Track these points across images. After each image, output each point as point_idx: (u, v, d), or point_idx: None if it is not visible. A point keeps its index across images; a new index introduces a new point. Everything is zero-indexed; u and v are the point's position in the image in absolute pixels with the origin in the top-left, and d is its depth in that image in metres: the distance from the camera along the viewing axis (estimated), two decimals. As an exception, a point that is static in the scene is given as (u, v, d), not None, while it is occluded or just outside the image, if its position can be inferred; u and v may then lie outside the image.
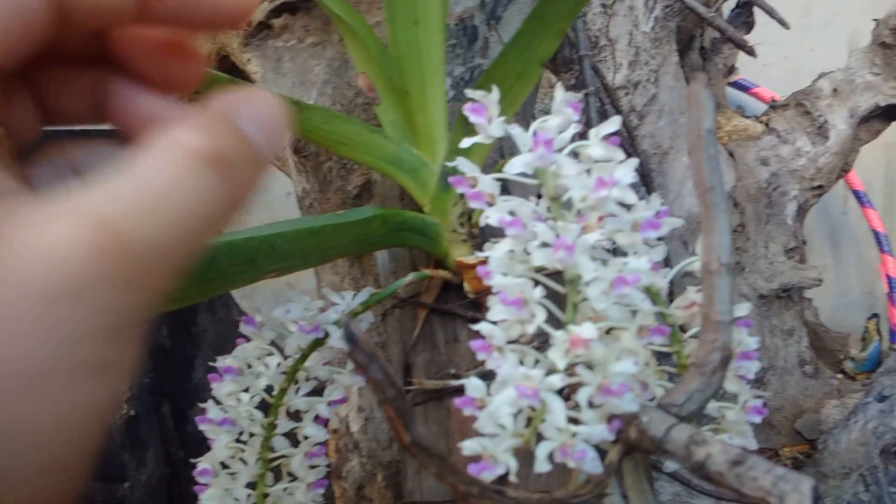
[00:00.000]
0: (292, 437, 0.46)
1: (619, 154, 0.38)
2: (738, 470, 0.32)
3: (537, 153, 0.37)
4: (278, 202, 1.41)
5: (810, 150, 0.84)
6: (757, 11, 0.88)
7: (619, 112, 0.70)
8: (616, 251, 0.39)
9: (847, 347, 0.90)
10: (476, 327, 0.37)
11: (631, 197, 0.37)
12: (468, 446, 0.36)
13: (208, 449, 0.45)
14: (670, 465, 0.44)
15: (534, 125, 0.38)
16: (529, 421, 0.37)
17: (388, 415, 0.38)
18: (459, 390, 0.37)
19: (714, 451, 0.33)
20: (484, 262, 0.38)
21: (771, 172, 0.83)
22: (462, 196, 0.47)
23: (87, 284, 0.21)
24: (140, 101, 0.28)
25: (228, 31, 0.31)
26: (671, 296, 0.44)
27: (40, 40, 0.24)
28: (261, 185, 0.26)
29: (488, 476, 0.36)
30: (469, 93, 0.39)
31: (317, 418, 0.47)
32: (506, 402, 0.36)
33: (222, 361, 0.46)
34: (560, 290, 0.38)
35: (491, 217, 0.38)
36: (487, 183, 0.39)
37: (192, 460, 0.45)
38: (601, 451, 0.37)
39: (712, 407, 0.43)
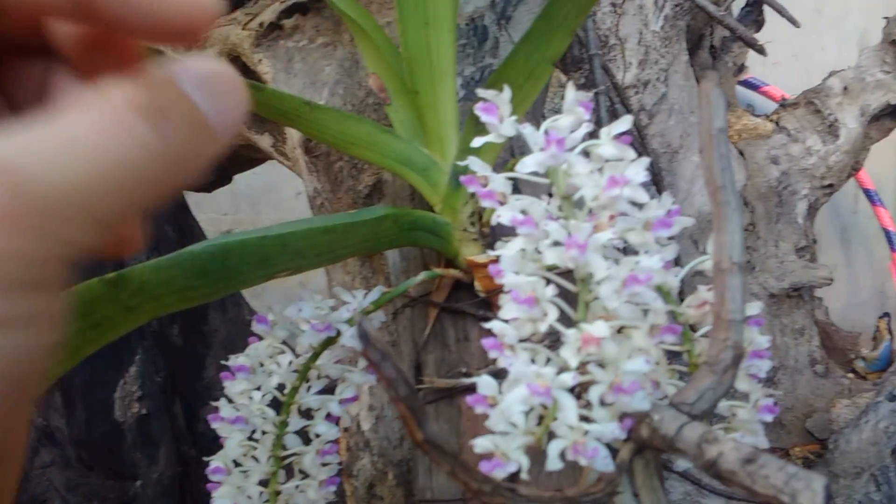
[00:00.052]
0: (304, 436, 0.46)
1: (631, 153, 0.38)
2: (750, 468, 0.32)
3: (549, 152, 0.37)
4: (288, 202, 1.41)
5: (821, 148, 0.84)
6: (767, 10, 0.88)
7: (629, 111, 0.70)
8: (626, 250, 0.39)
9: (858, 347, 0.90)
10: (488, 325, 0.37)
11: (643, 196, 0.37)
12: (480, 444, 0.36)
13: (219, 447, 0.46)
14: (681, 464, 0.44)
15: (545, 124, 0.38)
16: (541, 419, 0.37)
17: (401, 412, 0.38)
18: (470, 388, 0.37)
19: (726, 450, 0.33)
20: (495, 260, 0.38)
21: (781, 171, 0.83)
22: (473, 195, 0.47)
23: None
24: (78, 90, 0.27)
25: (176, 45, 0.30)
26: (681, 295, 0.44)
27: None
28: (213, 155, 0.24)
29: (500, 474, 0.36)
30: (480, 92, 0.39)
31: (328, 416, 0.47)
32: (518, 400, 0.36)
33: (235, 360, 0.46)
34: (571, 289, 0.38)
35: (503, 216, 0.38)
36: (499, 182, 0.39)
37: (205, 458, 0.45)
38: (612, 450, 0.37)
39: (723, 406, 0.43)
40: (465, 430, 0.50)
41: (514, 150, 0.53)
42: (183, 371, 0.88)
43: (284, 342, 0.48)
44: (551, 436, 0.36)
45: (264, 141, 0.74)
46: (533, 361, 0.37)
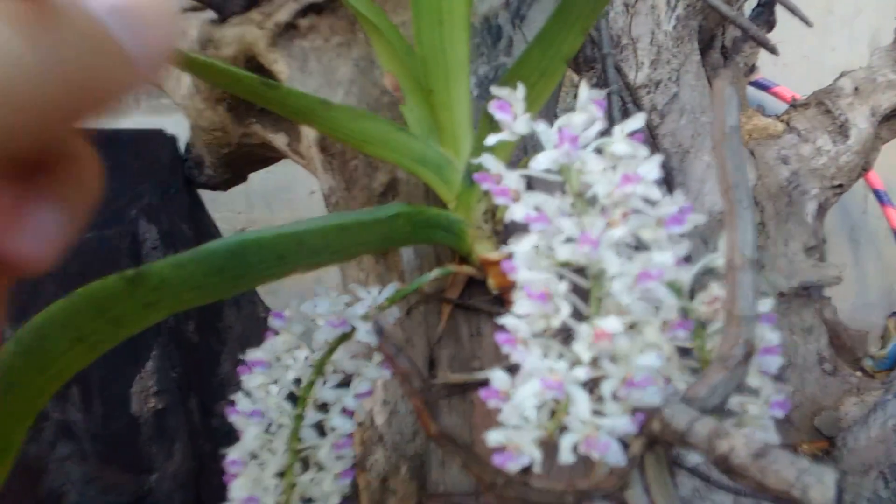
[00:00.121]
0: (320, 429, 0.47)
1: (644, 150, 0.38)
2: (762, 462, 0.33)
3: (562, 149, 0.38)
4: (302, 201, 1.42)
5: (831, 148, 0.84)
6: (777, 11, 0.88)
7: (641, 111, 0.71)
8: (638, 248, 0.39)
9: (866, 345, 0.91)
10: (501, 321, 0.37)
11: (655, 193, 0.38)
12: (493, 437, 0.37)
13: (233, 442, 0.46)
14: (691, 460, 0.44)
15: (558, 121, 0.38)
16: (553, 413, 0.37)
17: (415, 405, 0.39)
18: (483, 384, 0.38)
19: (737, 444, 0.34)
20: (508, 257, 0.38)
21: (791, 171, 0.83)
22: (486, 193, 0.48)
23: None
24: None
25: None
26: (691, 293, 0.44)
27: None
28: (131, 87, 0.21)
29: (513, 466, 0.37)
30: (494, 90, 0.40)
31: (343, 410, 0.47)
32: (531, 394, 0.36)
33: (252, 354, 0.47)
34: (583, 285, 0.38)
35: (516, 212, 0.38)
36: (512, 179, 0.39)
37: (222, 450, 0.46)
38: (624, 444, 0.37)
39: (735, 402, 0.44)
40: (477, 424, 0.50)
41: (527, 148, 0.54)
42: (198, 367, 0.89)
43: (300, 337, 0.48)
44: (563, 430, 0.37)
45: (279, 140, 0.75)
46: (545, 356, 0.37)
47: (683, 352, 0.43)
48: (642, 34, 0.72)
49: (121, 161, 0.90)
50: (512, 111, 0.40)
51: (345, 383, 0.48)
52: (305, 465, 0.47)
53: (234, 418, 0.46)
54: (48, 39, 0.19)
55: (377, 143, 0.50)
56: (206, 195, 1.04)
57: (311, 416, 0.47)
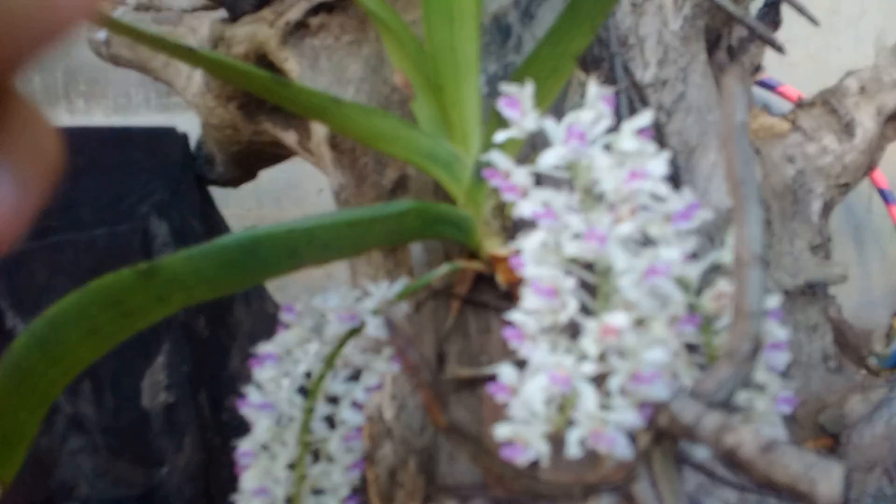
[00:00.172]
0: (330, 422, 0.48)
1: (652, 147, 0.38)
2: (769, 457, 0.33)
3: (570, 146, 0.38)
4: (311, 198, 1.43)
5: (836, 148, 0.84)
6: (783, 11, 0.88)
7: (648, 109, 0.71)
8: (645, 244, 0.39)
9: (870, 344, 0.91)
10: (509, 316, 0.38)
11: (663, 189, 0.38)
12: (501, 431, 0.37)
13: (242, 436, 0.47)
14: (698, 455, 0.45)
15: (567, 118, 0.39)
16: (561, 408, 0.37)
17: (425, 398, 0.40)
18: (492, 378, 0.38)
19: (745, 438, 0.34)
20: (516, 253, 0.39)
21: (797, 170, 0.84)
22: (495, 189, 0.48)
23: None
24: None
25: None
26: (698, 290, 0.44)
27: None
28: (54, 30, 0.19)
29: (522, 459, 0.37)
30: (503, 87, 0.40)
31: (353, 403, 0.48)
32: (539, 389, 0.37)
33: (264, 347, 0.47)
34: (591, 281, 0.38)
35: (524, 208, 0.39)
36: (521, 175, 0.40)
37: (234, 442, 0.46)
38: (631, 439, 0.38)
39: (742, 398, 0.44)
40: (486, 418, 0.51)
41: (535, 145, 0.54)
42: (208, 361, 0.89)
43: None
44: (571, 424, 0.37)
45: (290, 137, 0.76)
46: (553, 351, 0.38)
47: (690, 348, 0.44)
48: (649, 34, 0.72)
49: (133, 158, 0.91)
50: (521, 108, 0.40)
51: (354, 377, 0.49)
52: (316, 456, 0.47)
53: (246, 410, 0.46)
54: None
55: (388, 139, 0.51)
56: (215, 193, 1.05)
57: (322, 408, 0.47)
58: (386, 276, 0.63)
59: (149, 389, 0.82)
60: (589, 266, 0.38)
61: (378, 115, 0.51)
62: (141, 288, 0.39)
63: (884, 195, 1.16)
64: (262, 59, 0.71)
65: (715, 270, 0.45)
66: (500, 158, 0.40)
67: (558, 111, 0.59)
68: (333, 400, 0.48)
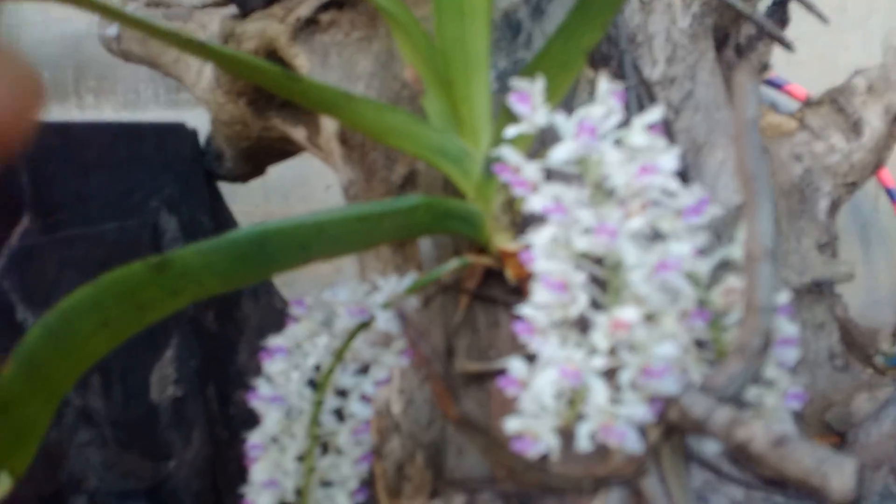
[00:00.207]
0: (339, 415, 0.48)
1: (662, 142, 0.38)
2: (781, 451, 0.33)
3: (581, 141, 0.38)
4: (318, 194, 1.43)
5: (844, 146, 0.84)
6: (790, 10, 0.88)
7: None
8: (656, 239, 0.39)
9: (877, 342, 0.91)
10: (519, 310, 0.38)
11: (673, 184, 0.38)
12: (511, 424, 0.37)
13: (251, 429, 0.47)
14: (708, 450, 0.45)
15: (577, 113, 0.39)
16: (571, 402, 0.38)
17: (436, 389, 0.40)
18: (501, 373, 0.38)
19: (756, 433, 0.34)
20: (526, 248, 0.39)
21: (804, 168, 0.84)
22: (504, 184, 0.49)
23: None
24: None
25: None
26: (707, 285, 0.45)
27: None
28: None
29: (532, 452, 0.37)
30: (514, 81, 0.40)
31: (362, 397, 0.48)
32: (549, 383, 0.37)
33: (274, 341, 0.47)
34: (601, 276, 0.38)
35: (534, 203, 0.39)
36: (531, 170, 0.40)
37: (244, 434, 0.47)
38: (641, 433, 0.38)
39: (752, 393, 0.44)
40: (494, 413, 0.51)
41: (545, 141, 0.54)
42: (216, 356, 0.90)
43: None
44: (581, 418, 0.37)
45: (299, 133, 0.76)
46: (563, 346, 0.38)
47: (698, 344, 0.44)
48: (658, 31, 0.72)
49: (143, 154, 0.91)
50: (531, 103, 0.40)
51: (363, 371, 0.49)
52: (325, 449, 0.47)
53: (256, 403, 0.47)
54: None
55: (398, 134, 0.51)
56: (223, 189, 1.05)
57: (331, 402, 0.47)
58: (395, 270, 0.63)
59: (157, 383, 0.83)
60: (599, 261, 0.38)
61: (388, 111, 0.51)
62: (153, 281, 0.40)
63: (891, 194, 1.16)
64: (272, 56, 0.71)
65: (723, 267, 0.45)
66: (510, 154, 0.40)
67: (567, 108, 0.59)
68: (342, 393, 0.48)
